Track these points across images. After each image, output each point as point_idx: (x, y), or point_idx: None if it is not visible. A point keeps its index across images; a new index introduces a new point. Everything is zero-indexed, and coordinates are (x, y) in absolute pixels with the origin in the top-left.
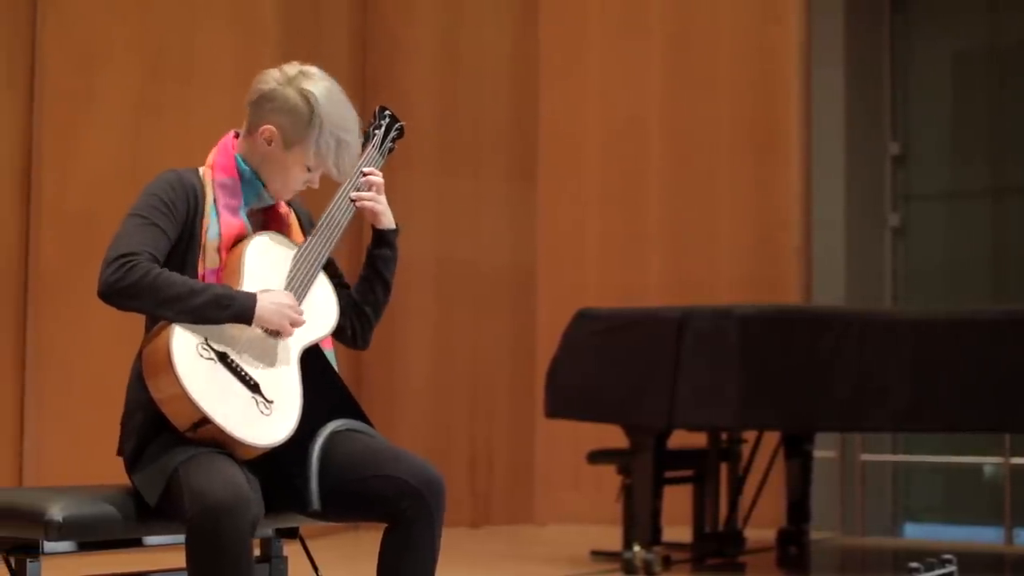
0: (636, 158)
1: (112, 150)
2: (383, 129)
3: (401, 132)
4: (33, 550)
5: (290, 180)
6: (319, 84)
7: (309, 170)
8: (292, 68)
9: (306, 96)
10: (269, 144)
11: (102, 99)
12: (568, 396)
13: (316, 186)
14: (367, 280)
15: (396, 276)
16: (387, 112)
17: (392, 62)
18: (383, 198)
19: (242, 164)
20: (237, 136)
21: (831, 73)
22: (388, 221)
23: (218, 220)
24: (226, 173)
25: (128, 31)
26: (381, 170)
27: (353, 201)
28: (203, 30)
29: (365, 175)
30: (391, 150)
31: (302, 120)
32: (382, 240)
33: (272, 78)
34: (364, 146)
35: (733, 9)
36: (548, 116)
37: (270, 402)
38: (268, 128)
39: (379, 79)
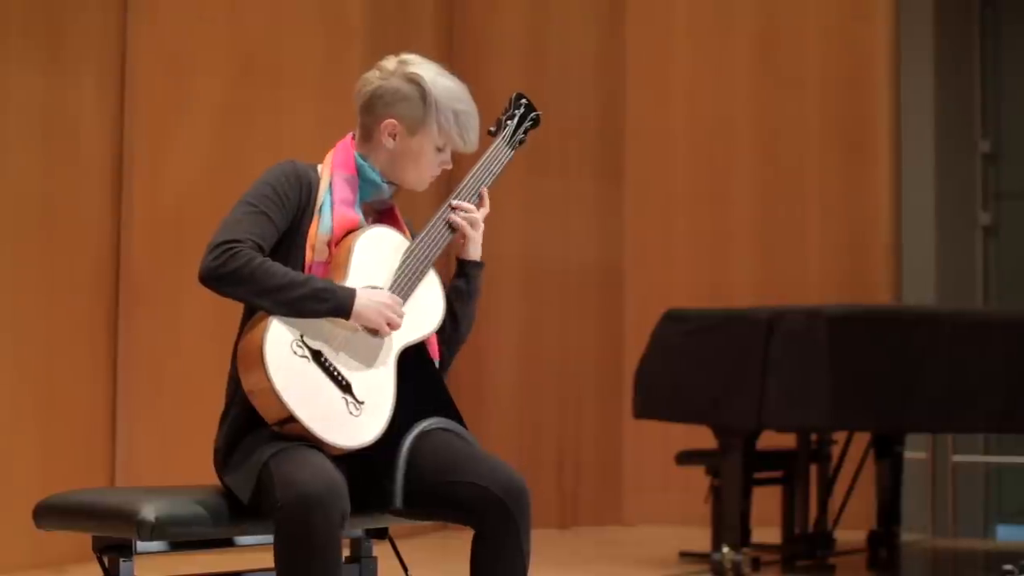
0: (724, 157)
1: (202, 152)
2: (516, 119)
3: (536, 122)
4: (126, 550)
5: (424, 167)
6: (422, 65)
7: (439, 150)
8: (390, 62)
9: (413, 79)
10: (394, 139)
11: (192, 102)
12: (656, 397)
13: (450, 166)
14: (449, 309)
15: (484, 275)
16: (523, 100)
17: (479, 62)
18: (480, 228)
19: (361, 160)
20: (353, 138)
21: (920, 70)
22: (474, 252)
23: (331, 214)
24: (346, 169)
25: (217, 34)
26: (510, 162)
27: (483, 189)
28: (291, 32)
29: (462, 208)
30: (522, 142)
31: (417, 103)
32: (461, 271)
33: (375, 77)
34: (494, 136)
35: (821, 7)
36: (635, 115)
37: (360, 403)
38: (389, 122)
39: (466, 79)
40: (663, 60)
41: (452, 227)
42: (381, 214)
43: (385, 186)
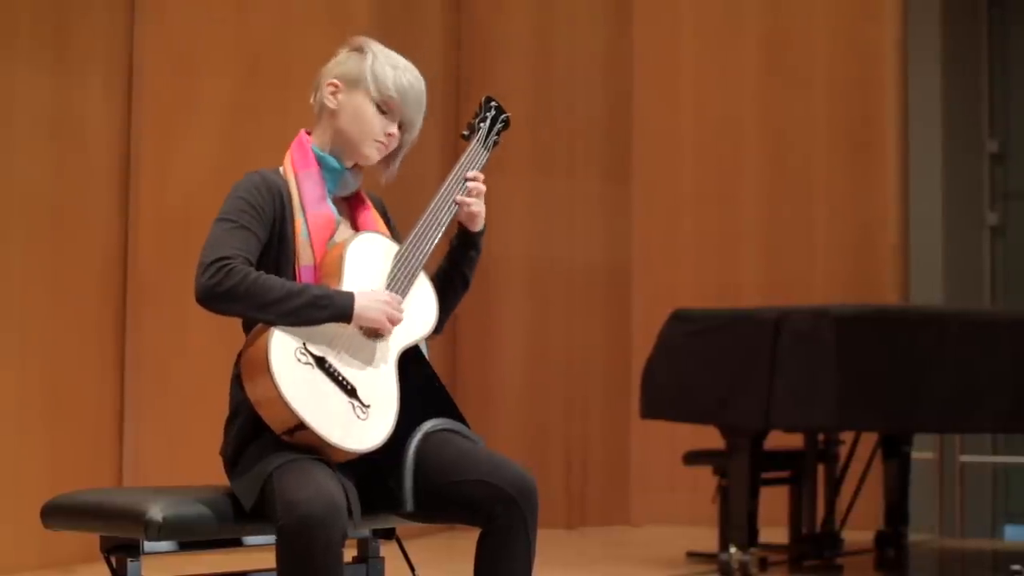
0: (731, 157)
1: (209, 153)
2: (488, 122)
3: (507, 124)
4: (133, 550)
5: (368, 128)
6: (370, 41)
7: (382, 112)
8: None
9: (353, 44)
10: (335, 96)
11: (199, 102)
12: (663, 397)
13: (396, 137)
14: (447, 276)
15: (491, 276)
16: (493, 103)
17: (485, 62)
18: (482, 201)
19: (318, 151)
20: (309, 134)
21: (928, 70)
22: (480, 224)
23: (305, 216)
24: (306, 166)
25: (225, 35)
26: (486, 165)
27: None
28: (298, 33)
29: (469, 179)
30: (496, 143)
31: (357, 59)
32: (469, 241)
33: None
34: (468, 139)
35: (829, 7)
36: (642, 115)
37: (367, 406)
38: (331, 82)
39: (473, 79)
40: (670, 60)
41: (461, 200)
42: (350, 202)
43: (347, 172)
